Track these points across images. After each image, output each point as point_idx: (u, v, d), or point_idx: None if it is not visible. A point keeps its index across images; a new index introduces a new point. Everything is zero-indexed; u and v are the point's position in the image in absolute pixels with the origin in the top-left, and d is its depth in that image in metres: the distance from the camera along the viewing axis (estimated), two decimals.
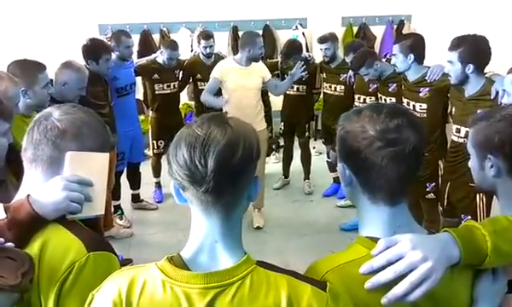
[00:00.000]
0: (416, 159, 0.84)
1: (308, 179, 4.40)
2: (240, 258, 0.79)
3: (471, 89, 2.37)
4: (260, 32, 5.47)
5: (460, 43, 2.32)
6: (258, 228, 3.65)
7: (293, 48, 3.94)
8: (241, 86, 3.36)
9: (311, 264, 0.90)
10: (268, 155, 5.03)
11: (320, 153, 5.09)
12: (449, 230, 0.86)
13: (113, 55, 3.35)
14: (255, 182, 0.83)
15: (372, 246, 0.83)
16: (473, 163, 1.09)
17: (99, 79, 3.18)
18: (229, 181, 0.76)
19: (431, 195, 2.86)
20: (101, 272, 0.89)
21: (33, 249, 0.91)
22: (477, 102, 2.32)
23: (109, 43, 3.50)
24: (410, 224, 0.90)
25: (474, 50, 2.30)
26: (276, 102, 4.54)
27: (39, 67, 2.14)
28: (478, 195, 2.37)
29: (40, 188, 0.95)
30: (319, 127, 4.71)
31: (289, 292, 0.75)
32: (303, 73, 3.47)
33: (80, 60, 3.09)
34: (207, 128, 0.76)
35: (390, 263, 0.79)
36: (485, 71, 2.39)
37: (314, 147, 5.02)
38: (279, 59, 4.26)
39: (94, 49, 3.12)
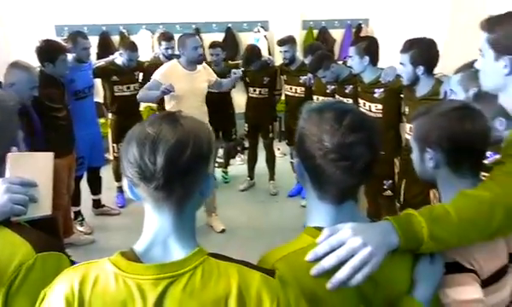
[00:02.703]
0: (367, 173, 0.89)
1: (273, 180, 4.46)
2: (192, 250, 0.81)
3: (422, 89, 2.49)
4: (223, 35, 5.53)
5: (411, 46, 2.44)
6: (223, 230, 3.66)
7: (253, 54, 4.00)
8: (187, 91, 3.21)
9: (261, 256, 0.93)
10: (233, 157, 5.06)
11: (284, 155, 5.17)
12: (389, 218, 0.92)
13: (70, 57, 3.26)
14: (208, 178, 0.84)
15: (317, 235, 0.87)
16: (415, 155, 1.15)
17: (55, 82, 3.08)
18: (178, 178, 0.77)
19: (388, 192, 2.97)
20: (50, 273, 0.88)
21: None
22: (428, 102, 2.43)
23: (66, 44, 3.40)
24: (355, 218, 0.94)
25: (424, 53, 2.42)
26: (240, 104, 4.57)
27: None
28: (431, 191, 2.49)
29: None
30: (283, 128, 4.78)
31: (239, 279, 0.78)
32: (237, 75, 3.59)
33: (36, 63, 3.00)
34: (158, 126, 0.78)
35: (333, 250, 0.83)
36: (435, 72, 2.52)
37: (279, 149, 5.10)
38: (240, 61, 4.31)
39: (49, 51, 3.02)
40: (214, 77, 3.52)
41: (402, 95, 2.75)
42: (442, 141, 1.05)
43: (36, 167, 0.97)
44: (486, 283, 1.01)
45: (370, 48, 2.85)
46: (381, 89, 2.83)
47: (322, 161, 0.86)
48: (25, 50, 3.17)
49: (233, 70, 3.71)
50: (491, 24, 1.13)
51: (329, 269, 0.83)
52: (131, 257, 0.80)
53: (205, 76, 3.41)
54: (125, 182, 0.82)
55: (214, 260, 0.81)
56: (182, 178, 0.78)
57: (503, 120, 1.40)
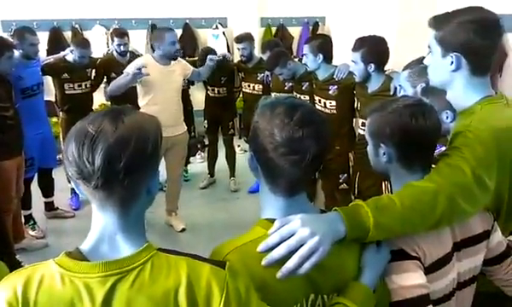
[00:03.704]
0: (315, 165, 0.91)
1: (234, 177, 4.46)
2: (140, 247, 0.80)
3: (373, 85, 2.58)
4: (180, 31, 5.45)
5: (362, 44, 2.51)
6: (183, 230, 3.62)
7: (207, 55, 3.92)
8: (161, 86, 3.17)
9: (214, 248, 0.94)
10: (193, 155, 5.01)
11: (245, 151, 5.18)
12: (337, 209, 0.96)
13: (17, 54, 3.10)
14: (155, 175, 0.84)
15: (269, 227, 0.89)
16: (369, 150, 1.20)
17: (1, 79, 2.92)
18: (118, 177, 0.75)
19: (344, 185, 3.06)
20: None
21: None
22: (379, 98, 2.50)
23: (12, 40, 3.23)
24: (306, 210, 0.96)
25: (374, 51, 2.51)
26: (198, 101, 4.54)
27: None
28: (383, 183, 2.59)
29: None
30: (242, 125, 4.80)
31: (189, 272, 0.78)
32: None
33: None
34: (99, 124, 0.76)
35: (283, 241, 0.86)
36: (385, 68, 2.62)
37: (239, 145, 5.10)
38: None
39: None
40: (190, 69, 3.49)
41: (355, 92, 2.83)
42: (394, 137, 1.09)
43: None
44: (430, 270, 1.06)
45: (324, 46, 2.91)
46: (335, 86, 2.90)
47: (273, 155, 0.88)
48: None
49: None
50: (438, 21, 1.18)
51: (280, 258, 0.85)
52: (77, 256, 0.79)
53: (180, 70, 3.36)
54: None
55: (164, 255, 0.81)
56: (123, 178, 0.76)
57: (450, 113, 1.48)
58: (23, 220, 3.44)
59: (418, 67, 1.96)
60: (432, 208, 1.00)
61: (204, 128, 4.45)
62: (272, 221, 0.91)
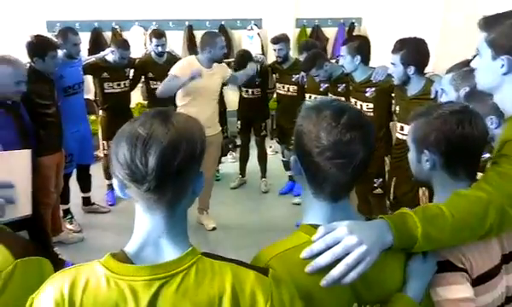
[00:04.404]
0: (361, 170, 0.89)
1: (264, 178, 4.46)
2: (185, 250, 0.80)
3: (413, 89, 2.51)
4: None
5: (401, 46, 2.45)
6: (214, 228, 3.64)
7: (244, 59, 3.96)
8: (203, 89, 3.24)
9: (256, 254, 0.93)
10: (225, 155, 5.04)
11: (276, 152, 5.17)
12: (384, 217, 0.92)
13: (60, 53, 3.21)
14: (199, 176, 0.83)
15: (313, 233, 0.87)
16: (411, 156, 1.16)
17: (45, 78, 3.04)
18: (170, 180, 0.75)
19: (379, 190, 2.99)
20: (32, 279, 0.86)
21: None
22: (419, 101, 2.44)
23: (56, 40, 3.36)
24: (350, 215, 0.94)
25: (415, 53, 2.44)
26: (231, 102, 4.56)
27: None
28: (420, 189, 2.51)
29: None
30: (275, 126, 4.78)
31: (233, 278, 0.77)
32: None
33: (26, 59, 2.95)
34: (150, 126, 0.76)
35: (328, 248, 0.83)
36: (426, 71, 2.54)
37: (270, 147, 5.10)
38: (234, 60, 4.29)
39: (39, 46, 2.97)
40: (229, 72, 3.55)
41: (393, 95, 2.76)
42: (440, 144, 1.06)
43: (12, 166, 0.94)
44: (477, 282, 1.02)
45: (362, 47, 2.86)
46: (372, 89, 2.85)
47: (318, 158, 0.86)
48: (15, 46, 3.12)
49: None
50: (489, 23, 1.13)
51: (324, 266, 0.83)
52: (122, 258, 0.79)
53: (220, 73, 3.42)
54: (114, 181, 0.82)
55: (208, 259, 0.80)
56: (174, 180, 0.76)
57: (495, 118, 1.41)
58: (61, 214, 3.57)
59: (462, 71, 1.89)
60: (482, 219, 0.96)
61: (237, 129, 4.47)
62: (315, 227, 0.89)
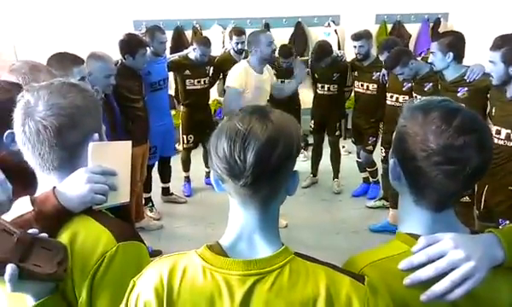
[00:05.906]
0: (474, 179, 0.81)
1: (337, 178, 4.36)
2: (278, 248, 0.80)
3: None
4: (292, 30, 5.48)
5: (503, 42, 2.23)
6: (286, 226, 3.63)
7: (324, 51, 3.86)
8: (255, 94, 3.05)
9: (347, 259, 0.89)
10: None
11: (349, 153, 5.03)
12: (493, 231, 0.84)
13: (148, 51, 3.41)
14: (294, 175, 0.82)
15: (412, 243, 0.81)
16: None
17: (134, 74, 3.25)
18: (267, 176, 0.75)
19: (466, 199, 2.76)
20: (131, 261, 0.90)
21: (63, 241, 0.90)
22: None
23: (144, 38, 3.57)
24: (454, 227, 0.87)
25: None
26: (305, 100, 4.51)
27: (76, 61, 2.16)
28: None
29: (65, 181, 0.94)
30: (349, 126, 4.65)
31: (328, 283, 0.75)
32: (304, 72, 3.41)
33: (117, 55, 3.17)
34: (248, 122, 0.76)
35: (430, 261, 0.77)
36: None
37: (343, 147, 4.96)
38: (310, 57, 4.23)
39: (131, 44, 3.18)
40: (274, 78, 3.41)
41: (488, 96, 2.54)
42: None
43: (115, 156, 0.98)
44: None
45: (455, 44, 2.66)
46: (465, 89, 2.63)
47: (423, 163, 0.81)
48: (105, 44, 3.37)
49: (298, 65, 3.58)
50: None
51: (425, 280, 0.77)
52: (218, 250, 0.80)
53: (270, 77, 3.33)
54: (212, 175, 0.84)
55: (301, 260, 0.79)
56: (270, 177, 0.76)
57: None
58: (143, 202, 3.80)
59: None
60: None
61: (310, 128, 4.40)
62: (415, 237, 0.83)
